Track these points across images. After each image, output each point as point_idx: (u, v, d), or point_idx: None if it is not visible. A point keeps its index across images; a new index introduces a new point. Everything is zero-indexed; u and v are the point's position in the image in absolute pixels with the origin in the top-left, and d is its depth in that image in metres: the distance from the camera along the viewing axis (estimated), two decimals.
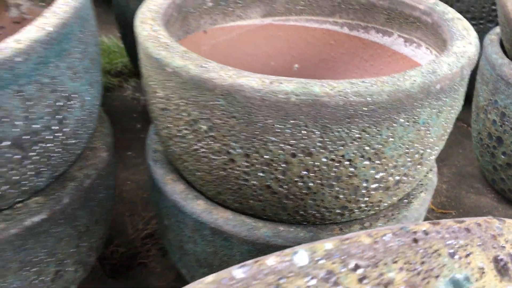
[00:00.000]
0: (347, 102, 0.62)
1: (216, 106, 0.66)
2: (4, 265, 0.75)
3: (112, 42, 1.98)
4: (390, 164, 0.70)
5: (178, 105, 0.71)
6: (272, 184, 0.70)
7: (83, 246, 0.88)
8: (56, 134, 0.74)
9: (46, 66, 0.68)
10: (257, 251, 0.77)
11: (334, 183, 0.69)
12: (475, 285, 0.36)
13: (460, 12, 1.40)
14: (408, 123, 0.67)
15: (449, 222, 0.39)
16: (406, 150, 0.70)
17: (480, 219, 0.41)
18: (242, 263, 0.38)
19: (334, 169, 0.68)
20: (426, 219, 1.17)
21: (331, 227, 0.78)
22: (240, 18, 1.07)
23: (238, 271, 0.37)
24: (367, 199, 0.74)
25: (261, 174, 0.70)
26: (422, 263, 0.35)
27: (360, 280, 0.34)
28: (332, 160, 0.67)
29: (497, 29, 1.36)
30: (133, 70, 1.79)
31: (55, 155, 0.76)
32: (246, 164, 0.69)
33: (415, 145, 0.70)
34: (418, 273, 0.35)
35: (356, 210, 0.76)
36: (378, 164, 0.69)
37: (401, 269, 0.34)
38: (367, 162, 0.68)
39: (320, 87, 0.61)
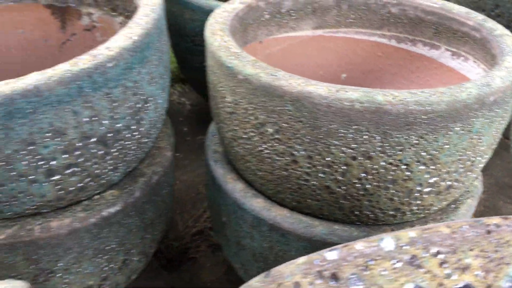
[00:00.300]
0: (407, 110, 0.67)
1: (284, 111, 0.72)
2: (82, 251, 0.83)
3: None
4: (444, 170, 0.75)
5: (246, 110, 0.77)
6: (331, 184, 0.76)
7: (147, 238, 0.95)
8: (133, 133, 0.81)
9: (130, 71, 0.75)
10: (312, 247, 0.82)
11: (390, 185, 0.75)
12: None
13: None
14: (463, 132, 0.71)
15: None
16: (459, 157, 0.74)
17: None
18: (332, 247, 0.44)
19: (391, 172, 0.73)
20: None
21: (383, 228, 0.83)
22: (293, 30, 1.13)
23: (330, 253, 0.43)
24: (419, 202, 0.79)
25: (321, 175, 0.75)
26: (495, 251, 0.40)
27: (441, 264, 0.39)
28: (390, 164, 0.72)
29: None
30: (180, 76, 1.87)
31: (131, 152, 0.84)
32: (308, 165, 0.75)
33: (468, 152, 0.75)
34: (492, 260, 0.40)
35: (408, 213, 0.81)
36: (432, 169, 0.74)
37: (476, 256, 0.40)
38: (422, 167, 0.73)
39: (383, 96, 0.67)
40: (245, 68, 0.74)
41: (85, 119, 0.72)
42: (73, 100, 0.69)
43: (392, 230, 0.83)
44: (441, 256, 0.39)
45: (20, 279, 0.81)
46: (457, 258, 0.39)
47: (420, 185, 0.76)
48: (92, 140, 0.74)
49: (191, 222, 1.27)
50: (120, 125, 0.77)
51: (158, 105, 0.87)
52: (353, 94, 0.67)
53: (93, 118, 0.73)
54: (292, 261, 0.46)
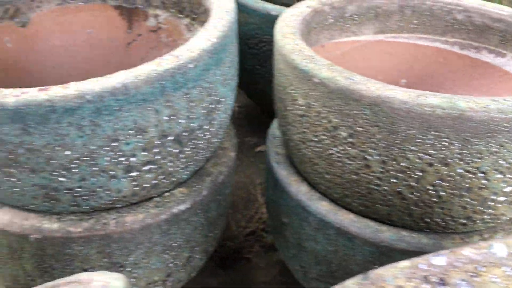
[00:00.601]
0: (490, 118, 0.66)
1: (359, 115, 0.72)
2: (151, 247, 0.85)
3: None
4: None
5: (319, 113, 0.78)
6: (404, 190, 0.76)
7: (210, 236, 0.97)
8: (205, 133, 0.83)
9: (207, 72, 0.77)
10: (380, 253, 0.82)
11: (465, 193, 0.74)
12: None
13: None
14: None
15: None
16: None
17: None
18: (437, 252, 0.44)
19: (467, 180, 0.72)
20: None
21: (452, 236, 0.82)
22: (355, 34, 1.13)
23: (436, 258, 0.43)
24: (492, 211, 0.78)
25: (394, 180, 0.75)
26: None
27: None
28: (467, 171, 0.71)
29: None
30: None
31: (201, 151, 0.85)
32: (381, 170, 0.75)
33: None
34: None
35: (478, 221, 0.80)
36: (509, 178, 0.73)
37: None
38: (499, 176, 0.72)
39: (465, 103, 0.66)
40: (321, 71, 0.75)
41: (165, 118, 0.74)
42: (156, 99, 0.71)
43: (462, 238, 0.82)
44: None
45: (92, 272, 0.84)
46: None
47: (495, 194, 0.75)
48: (169, 138, 0.76)
49: (244, 223, 1.28)
50: (195, 124, 0.79)
51: (228, 106, 0.88)
52: (434, 100, 0.67)
53: (172, 117, 0.74)
54: (391, 264, 0.46)
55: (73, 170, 0.72)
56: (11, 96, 0.65)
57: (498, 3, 1.45)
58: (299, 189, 0.90)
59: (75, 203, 0.78)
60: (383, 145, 0.73)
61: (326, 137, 0.79)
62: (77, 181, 0.74)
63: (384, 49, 1.16)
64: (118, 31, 1.14)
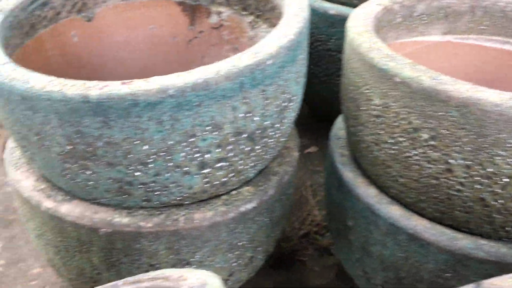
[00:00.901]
0: None
1: (445, 117, 0.69)
2: (218, 245, 0.84)
3: None
4: None
5: (397, 113, 0.75)
6: (488, 197, 0.72)
7: (272, 236, 0.95)
8: (276, 132, 0.81)
9: (283, 70, 0.75)
10: (455, 261, 0.79)
11: None
12: None
13: None
14: None
15: None
16: None
17: None
18: None
19: None
20: None
21: None
22: (422, 34, 1.09)
23: None
24: None
25: (478, 186, 0.72)
26: None
27: None
28: None
29: None
30: None
31: (270, 150, 0.84)
32: (464, 175, 0.72)
33: None
34: None
35: None
36: None
37: None
38: None
39: None
40: (403, 70, 0.72)
41: (241, 115, 0.72)
42: (234, 96, 0.70)
43: None
44: None
45: (158, 268, 0.83)
46: None
47: None
48: (243, 136, 0.75)
49: (297, 224, 1.26)
50: (268, 122, 0.78)
51: (298, 104, 0.86)
52: None
53: (247, 114, 0.73)
54: (507, 275, 0.44)
55: (149, 165, 0.72)
56: (95, 88, 0.64)
57: None
58: (367, 192, 0.87)
59: (146, 198, 0.78)
60: (469, 149, 0.69)
61: (405, 139, 0.76)
62: (151, 176, 0.73)
63: (451, 50, 1.12)
64: (180, 27, 1.14)
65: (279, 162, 0.93)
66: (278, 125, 0.81)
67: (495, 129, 0.66)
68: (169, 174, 0.74)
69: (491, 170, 0.69)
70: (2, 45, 0.80)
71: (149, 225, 0.78)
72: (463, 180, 0.72)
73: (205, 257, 0.84)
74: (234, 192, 0.85)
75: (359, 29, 0.84)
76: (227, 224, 0.82)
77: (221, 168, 0.77)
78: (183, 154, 0.72)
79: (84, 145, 0.69)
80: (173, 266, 0.83)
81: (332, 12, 1.31)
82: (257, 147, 0.79)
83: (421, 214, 0.82)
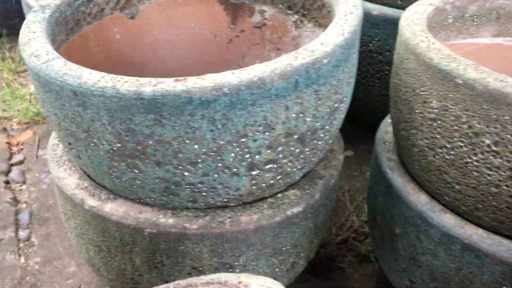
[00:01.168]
0: None
1: (511, 122, 0.66)
2: (262, 250, 0.82)
3: None
4: None
5: (457, 117, 0.71)
6: None
7: (314, 242, 0.92)
8: (325, 134, 0.79)
9: (337, 69, 0.72)
10: None
11: None
12: None
13: None
14: None
15: None
16: None
17: None
18: None
19: None
20: None
21: None
22: (472, 36, 1.05)
23: None
24: None
25: None
26: None
27: None
28: None
29: None
30: None
31: (318, 152, 0.81)
32: None
33: None
34: None
35: None
36: None
37: None
38: None
39: None
40: (466, 71, 0.69)
41: (293, 115, 0.70)
42: (288, 95, 0.67)
43: None
44: None
45: (201, 271, 0.81)
46: None
47: None
48: (294, 137, 0.73)
49: (335, 230, 1.23)
50: (319, 124, 0.75)
51: (347, 106, 0.84)
52: None
53: (299, 115, 0.71)
54: None
55: (198, 165, 0.70)
56: (148, 85, 0.63)
57: None
58: (418, 199, 0.84)
59: (192, 199, 0.76)
60: None
61: (464, 144, 0.72)
62: (199, 176, 0.71)
63: (501, 53, 1.08)
64: (221, 26, 1.12)
65: (324, 165, 0.90)
66: (328, 127, 0.78)
67: None
68: (217, 175, 0.72)
69: None
70: (49, 40, 0.79)
71: (194, 226, 0.76)
72: None
73: (249, 261, 0.82)
74: (279, 195, 0.83)
75: (414, 28, 0.81)
76: (273, 228, 0.80)
77: (270, 170, 0.74)
78: (233, 154, 0.70)
79: (133, 143, 0.68)
80: (216, 269, 0.81)
81: (375, 12, 1.28)
82: (306, 149, 0.77)
83: (477, 223, 0.79)
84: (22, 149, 1.58)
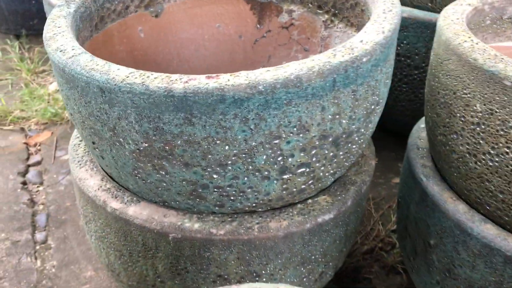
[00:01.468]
0: None
1: None
2: (290, 258, 0.78)
3: None
4: None
5: (503, 121, 0.67)
6: None
7: (343, 251, 0.88)
8: (360, 137, 0.75)
9: (376, 69, 0.69)
10: None
11: None
12: None
13: None
14: None
15: None
16: None
17: None
18: None
19: None
20: None
21: None
22: (509, 39, 1.01)
23: None
24: None
25: None
26: None
27: None
28: None
29: None
30: None
31: (351, 157, 0.77)
32: None
33: None
34: None
35: None
36: None
37: None
38: None
39: None
40: None
41: (329, 117, 0.66)
42: (325, 95, 0.64)
43: None
44: None
45: (226, 279, 0.77)
46: None
47: None
48: (329, 140, 0.69)
49: (360, 239, 1.18)
50: (354, 126, 0.71)
51: (382, 109, 0.79)
52: None
53: (336, 116, 0.67)
54: None
55: (228, 167, 0.66)
56: (179, 82, 0.60)
57: None
58: (457, 208, 0.79)
59: (219, 203, 0.72)
60: None
61: (510, 150, 0.68)
62: (229, 179, 0.68)
63: None
64: (247, 26, 1.09)
65: (356, 170, 0.86)
66: (363, 130, 0.74)
67: None
68: (247, 178, 0.68)
69: None
70: (75, 36, 0.76)
71: (221, 232, 0.73)
72: None
73: (277, 270, 0.78)
74: (310, 201, 0.79)
75: (455, 28, 0.77)
76: (303, 235, 0.76)
77: (302, 174, 0.71)
78: (265, 157, 0.66)
79: (161, 143, 0.65)
80: (242, 278, 0.77)
81: (404, 15, 1.24)
82: (340, 153, 0.73)
83: None
84: (39, 149, 1.56)
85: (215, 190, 0.69)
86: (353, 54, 0.64)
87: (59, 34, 0.72)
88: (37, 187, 1.41)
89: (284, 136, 0.65)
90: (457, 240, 0.79)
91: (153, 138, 0.64)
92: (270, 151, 0.66)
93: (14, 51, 2.06)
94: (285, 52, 1.09)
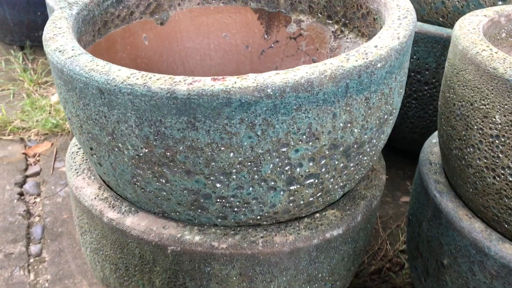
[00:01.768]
0: None
1: None
2: (296, 275, 0.73)
3: None
4: None
5: None
6: None
7: (351, 270, 0.84)
8: (372, 148, 0.71)
9: (390, 76, 0.65)
10: None
11: None
12: None
13: None
14: None
15: None
16: None
17: None
18: None
19: None
20: None
21: None
22: None
23: None
24: None
25: None
26: None
27: None
28: None
29: None
30: None
31: (362, 169, 0.73)
32: None
33: None
34: None
35: None
36: None
37: None
38: None
39: None
40: None
41: (340, 125, 0.62)
42: (337, 101, 0.60)
43: None
44: None
45: None
46: None
47: None
48: (339, 149, 0.65)
49: (367, 259, 1.13)
50: (366, 136, 0.67)
51: (394, 120, 0.76)
52: None
53: (347, 125, 0.63)
54: None
55: (232, 176, 0.62)
56: (183, 83, 0.56)
57: None
58: (472, 226, 0.75)
59: (222, 214, 0.68)
60: None
61: None
62: (232, 189, 0.64)
63: None
64: (254, 36, 1.06)
65: (366, 185, 0.82)
66: (375, 141, 0.71)
67: None
68: (252, 188, 0.64)
69: None
70: (76, 38, 0.73)
71: (223, 245, 0.69)
72: None
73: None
74: (317, 215, 0.75)
75: (472, 37, 0.74)
76: (309, 251, 0.72)
77: (310, 185, 0.67)
78: (272, 166, 0.62)
79: (162, 148, 0.61)
80: None
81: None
82: (351, 164, 0.69)
83: None
84: (38, 160, 1.52)
85: (218, 200, 0.66)
86: (367, 59, 0.60)
87: (59, 35, 0.70)
88: (34, 198, 1.37)
89: (292, 144, 0.61)
90: (472, 260, 0.75)
91: (154, 143, 0.61)
92: (277, 159, 0.62)
93: (18, 61, 2.05)
94: (293, 63, 1.06)
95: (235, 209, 0.67)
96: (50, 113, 1.73)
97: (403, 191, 1.39)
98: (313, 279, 0.75)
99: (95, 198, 0.76)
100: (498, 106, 0.66)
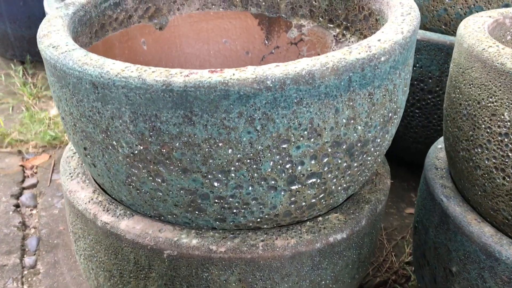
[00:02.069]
0: None
1: None
2: (298, 282, 0.70)
3: None
4: None
5: None
6: None
7: (356, 278, 0.80)
8: (376, 148, 0.68)
9: (395, 71, 0.63)
10: None
11: None
12: None
13: None
14: None
15: None
16: None
17: None
18: None
19: None
20: None
21: None
22: None
23: None
24: None
25: None
26: None
27: None
28: None
29: None
30: None
31: (366, 171, 0.71)
32: None
33: None
34: None
35: None
36: None
37: None
38: None
39: None
40: None
41: (343, 121, 0.60)
42: (339, 95, 0.58)
43: None
44: None
45: None
46: None
47: None
48: (342, 147, 0.62)
49: (372, 271, 1.10)
50: (370, 135, 0.65)
51: (398, 121, 0.74)
52: None
53: (350, 121, 0.61)
54: None
55: (231, 174, 0.60)
56: (179, 75, 0.54)
57: None
58: (482, 230, 0.72)
59: (221, 216, 0.65)
60: None
61: None
62: (231, 189, 0.61)
63: None
64: (255, 42, 1.05)
65: (370, 189, 0.79)
66: (380, 140, 0.68)
67: None
68: (252, 188, 0.61)
69: None
70: (71, 38, 0.72)
71: (222, 249, 0.65)
72: None
73: None
74: (320, 218, 0.72)
75: (478, 35, 0.72)
76: (312, 256, 0.68)
77: (312, 185, 0.64)
78: (272, 163, 0.60)
79: (158, 145, 0.59)
80: None
81: (417, 37, 1.20)
82: (354, 164, 0.66)
83: None
84: (36, 172, 1.50)
85: (216, 201, 0.63)
86: (370, 52, 0.58)
87: (53, 32, 0.68)
88: (31, 210, 1.34)
89: (293, 140, 0.59)
90: (483, 266, 0.71)
91: (149, 139, 0.58)
92: (277, 156, 0.59)
93: (18, 75, 2.04)
94: None
95: (234, 211, 0.64)
96: (49, 126, 1.71)
97: (408, 203, 1.36)
98: (316, 286, 0.72)
99: (89, 201, 0.74)
100: (507, 103, 0.64)
